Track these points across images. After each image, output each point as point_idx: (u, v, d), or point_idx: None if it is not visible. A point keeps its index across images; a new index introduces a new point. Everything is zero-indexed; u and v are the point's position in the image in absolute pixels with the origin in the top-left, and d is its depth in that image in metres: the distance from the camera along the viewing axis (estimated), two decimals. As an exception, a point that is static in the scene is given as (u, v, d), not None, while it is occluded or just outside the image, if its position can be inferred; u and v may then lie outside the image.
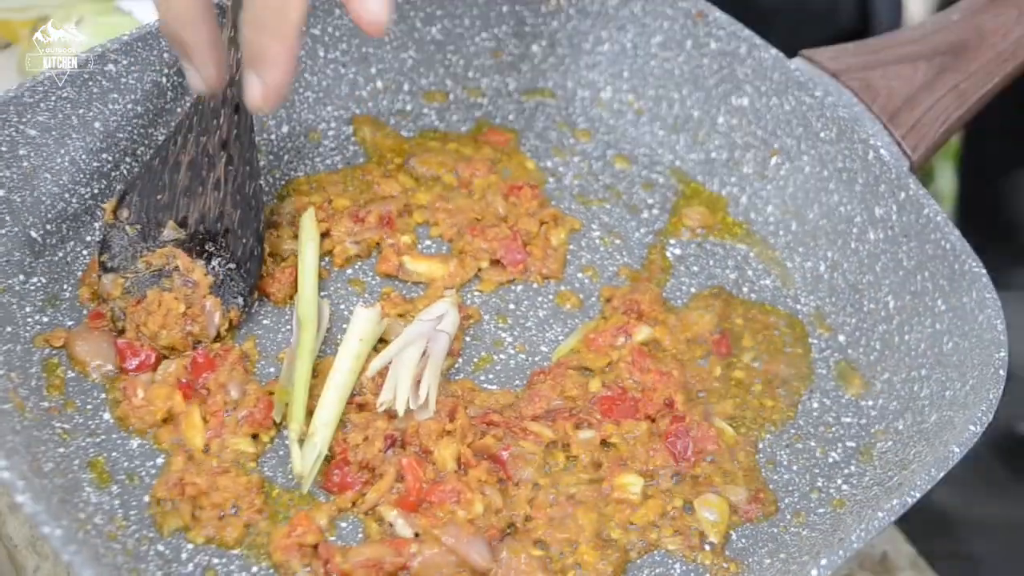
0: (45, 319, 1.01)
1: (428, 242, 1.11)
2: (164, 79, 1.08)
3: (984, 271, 0.99)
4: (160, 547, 0.90)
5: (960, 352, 0.98)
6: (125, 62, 1.05)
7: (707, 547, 0.95)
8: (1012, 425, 1.30)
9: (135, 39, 1.05)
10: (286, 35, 0.83)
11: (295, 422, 0.96)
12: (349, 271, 1.09)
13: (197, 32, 0.88)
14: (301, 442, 0.95)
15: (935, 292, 1.02)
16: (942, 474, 0.88)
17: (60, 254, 1.04)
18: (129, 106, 1.07)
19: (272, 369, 1.01)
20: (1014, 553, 1.30)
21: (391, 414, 0.97)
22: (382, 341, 1.02)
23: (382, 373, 0.98)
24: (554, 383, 1.00)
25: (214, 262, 1.02)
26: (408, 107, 1.22)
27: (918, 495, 0.87)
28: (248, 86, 0.86)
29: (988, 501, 1.30)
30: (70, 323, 1.01)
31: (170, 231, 1.02)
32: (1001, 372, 0.94)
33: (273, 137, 1.15)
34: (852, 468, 1.00)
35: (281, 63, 0.84)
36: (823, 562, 0.83)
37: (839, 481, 0.99)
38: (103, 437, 0.95)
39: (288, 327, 1.04)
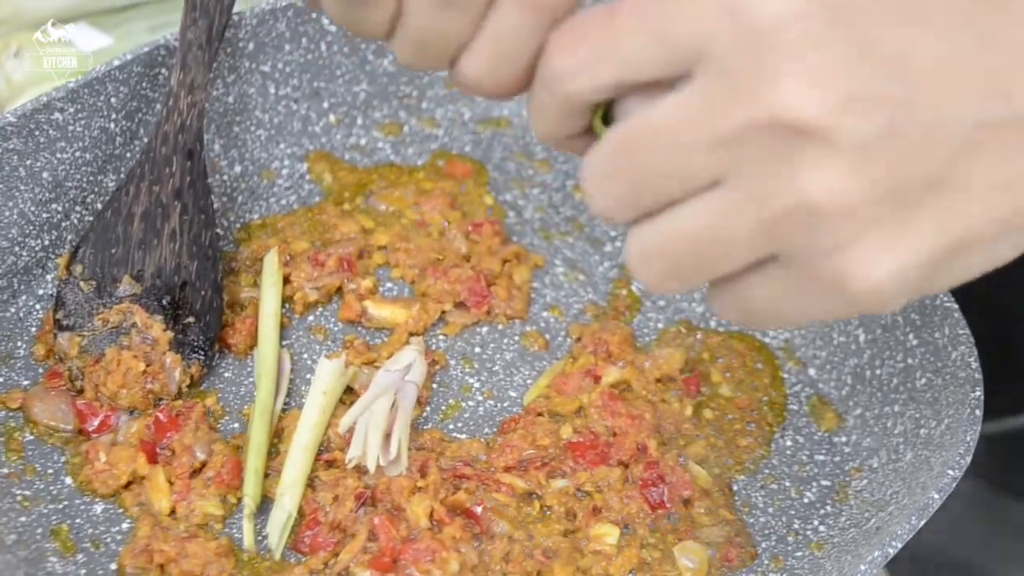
0: (0, 379, 0.98)
1: (389, 284, 1.09)
2: (112, 124, 1.05)
3: (956, 306, 0.98)
4: (129, 619, 0.88)
5: (934, 389, 0.97)
6: (72, 110, 1.02)
7: (687, 596, 0.94)
8: None
9: (81, 86, 1.02)
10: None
11: (248, 496, 0.93)
12: (310, 318, 1.06)
13: None
14: (265, 512, 0.92)
15: (906, 326, 1.01)
16: (923, 522, 0.87)
17: (12, 310, 1.02)
18: (77, 154, 1.04)
19: (236, 425, 0.98)
20: None
21: (361, 470, 0.95)
22: (348, 390, 1.00)
23: (350, 427, 0.96)
24: (525, 432, 0.98)
25: (172, 317, 1.00)
26: (362, 141, 1.19)
27: (899, 544, 0.85)
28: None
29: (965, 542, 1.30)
30: (26, 382, 0.98)
31: (126, 286, 1.00)
32: (977, 412, 0.92)
33: (226, 178, 1.12)
34: (828, 508, 0.98)
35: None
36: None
37: (815, 522, 0.98)
38: (66, 503, 0.93)
39: (251, 379, 1.01)
